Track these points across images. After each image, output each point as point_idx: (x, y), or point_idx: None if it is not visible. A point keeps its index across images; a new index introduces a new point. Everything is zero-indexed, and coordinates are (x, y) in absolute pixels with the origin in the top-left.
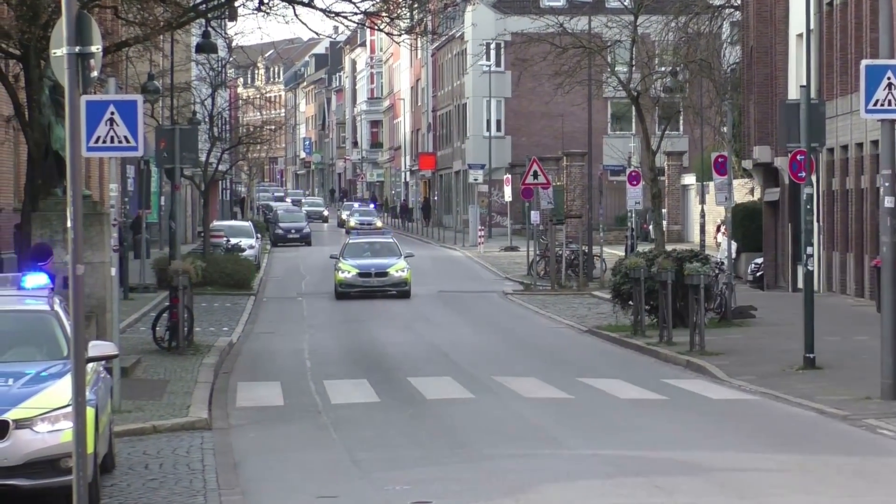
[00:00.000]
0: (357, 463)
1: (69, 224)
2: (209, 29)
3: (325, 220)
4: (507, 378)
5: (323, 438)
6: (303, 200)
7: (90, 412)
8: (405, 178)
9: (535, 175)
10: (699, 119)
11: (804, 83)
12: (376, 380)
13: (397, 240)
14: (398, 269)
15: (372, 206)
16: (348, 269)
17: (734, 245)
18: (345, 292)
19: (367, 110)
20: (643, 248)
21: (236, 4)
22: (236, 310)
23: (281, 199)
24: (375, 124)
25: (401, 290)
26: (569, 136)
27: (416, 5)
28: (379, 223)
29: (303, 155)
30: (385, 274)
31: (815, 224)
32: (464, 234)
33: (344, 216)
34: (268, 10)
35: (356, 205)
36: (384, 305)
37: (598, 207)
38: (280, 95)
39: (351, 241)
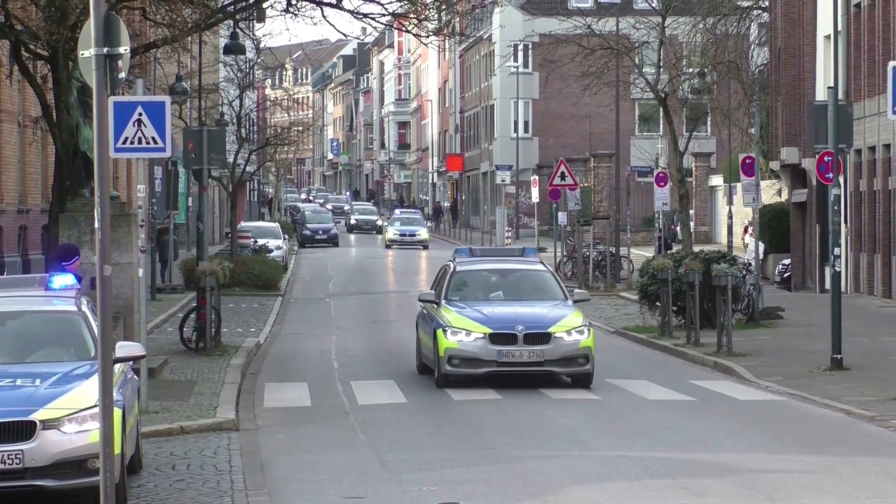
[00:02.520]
0: (384, 464)
1: (97, 225)
2: (237, 30)
3: (380, 230)
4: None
5: (350, 439)
6: (347, 207)
7: (117, 413)
8: (432, 180)
9: (563, 176)
10: (727, 120)
11: (832, 84)
12: (403, 381)
13: None
14: (569, 328)
15: (417, 213)
16: (469, 327)
17: (762, 246)
18: (463, 373)
19: (394, 111)
20: (672, 248)
21: (264, 6)
22: (263, 311)
23: (319, 206)
24: (403, 125)
25: (577, 372)
26: (596, 137)
27: (443, 7)
28: (424, 234)
29: (330, 156)
30: (546, 338)
31: (843, 225)
32: (491, 235)
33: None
34: (296, 12)
35: (398, 211)
36: (411, 304)
37: (626, 208)
38: (308, 96)
39: (461, 269)
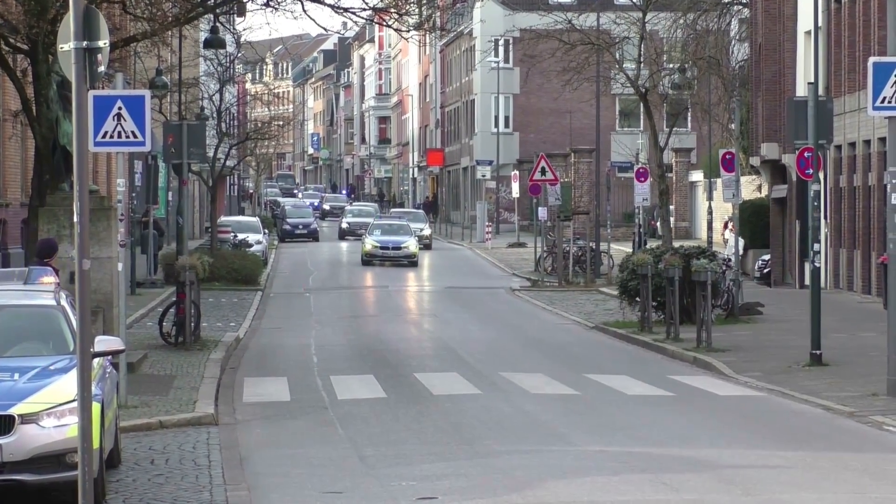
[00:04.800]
0: (363, 459)
1: (76, 219)
2: (217, 24)
3: None
4: (514, 374)
5: (329, 434)
6: (349, 208)
7: (96, 407)
8: (413, 175)
9: (543, 171)
10: (707, 116)
11: (812, 80)
12: (383, 375)
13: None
14: None
15: (406, 216)
16: None
17: (741, 242)
18: None
19: (375, 106)
20: (651, 244)
21: (245, 0)
22: (243, 305)
23: (313, 206)
24: (383, 120)
25: None
26: (577, 132)
27: (424, 1)
28: (412, 246)
29: (311, 151)
30: None
31: (823, 221)
32: (471, 230)
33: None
34: (276, 6)
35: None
36: (391, 299)
37: (606, 204)
38: (288, 91)
39: None
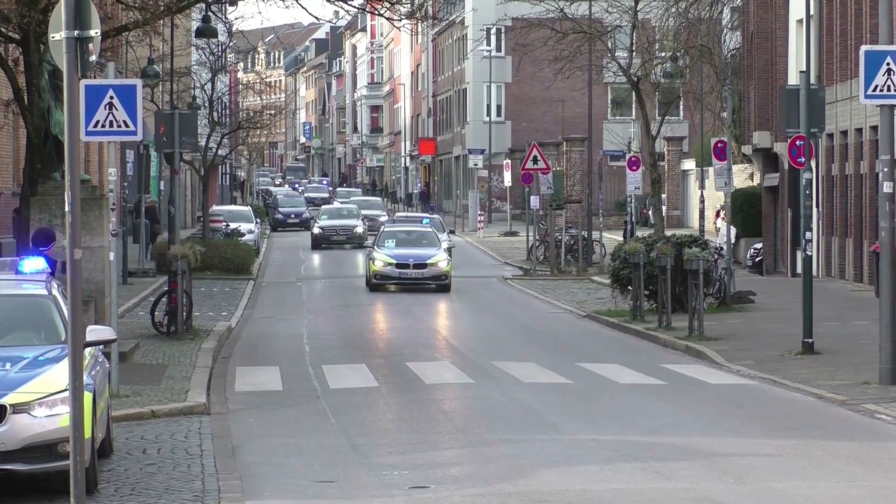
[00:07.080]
0: (355, 448)
1: (67, 208)
2: (209, 13)
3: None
4: (507, 363)
5: (321, 423)
6: (324, 207)
7: (88, 397)
8: (405, 164)
9: (535, 160)
10: (699, 104)
11: (804, 69)
12: (375, 365)
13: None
14: None
15: (420, 223)
16: None
17: (733, 230)
18: None
19: (367, 95)
20: (642, 233)
21: None
22: (235, 294)
23: (321, 201)
24: (375, 109)
25: None
26: (569, 121)
27: None
28: (444, 262)
29: (303, 140)
30: None
31: (815, 209)
32: (463, 219)
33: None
34: None
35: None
36: (384, 291)
37: (598, 193)
38: (280, 80)
39: None
